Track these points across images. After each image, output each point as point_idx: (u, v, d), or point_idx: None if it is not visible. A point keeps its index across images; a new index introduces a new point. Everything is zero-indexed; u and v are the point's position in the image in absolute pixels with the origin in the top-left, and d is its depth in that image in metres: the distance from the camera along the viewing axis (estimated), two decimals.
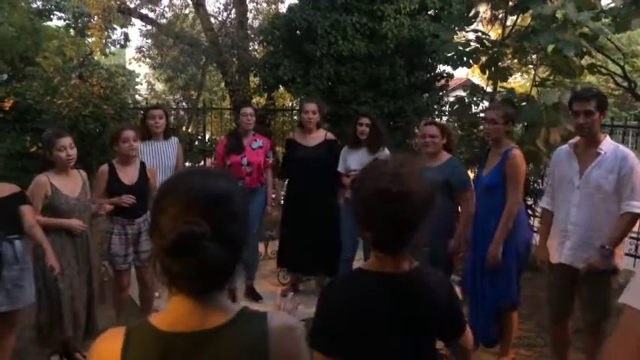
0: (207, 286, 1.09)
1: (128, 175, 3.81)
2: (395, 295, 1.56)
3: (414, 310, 1.57)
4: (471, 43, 5.27)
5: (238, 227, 1.10)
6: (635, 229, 5.81)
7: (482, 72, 5.28)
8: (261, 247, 5.60)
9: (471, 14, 5.36)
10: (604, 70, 5.68)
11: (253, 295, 4.89)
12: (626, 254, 5.90)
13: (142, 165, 3.93)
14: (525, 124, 5.19)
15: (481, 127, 4.97)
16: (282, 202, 5.09)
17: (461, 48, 5.22)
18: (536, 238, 3.86)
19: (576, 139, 3.22)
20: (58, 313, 3.44)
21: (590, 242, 3.06)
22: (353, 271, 1.73)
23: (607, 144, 3.06)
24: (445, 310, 1.62)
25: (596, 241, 3.04)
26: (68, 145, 3.41)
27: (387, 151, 4.58)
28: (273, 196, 5.16)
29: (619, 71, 5.68)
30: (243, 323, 1.10)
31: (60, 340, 3.58)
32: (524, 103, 5.02)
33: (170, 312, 1.11)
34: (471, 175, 4.96)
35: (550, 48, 4.83)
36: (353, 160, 4.59)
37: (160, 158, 4.44)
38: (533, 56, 5.29)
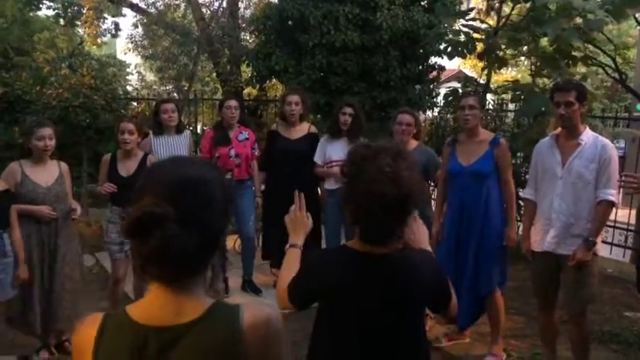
0: (176, 273, 1.07)
1: (126, 167, 3.81)
2: (382, 277, 1.59)
3: (400, 291, 1.60)
4: (465, 33, 5.25)
5: (211, 215, 1.08)
6: (625, 219, 5.90)
7: (480, 59, 5.28)
8: None
9: (464, 9, 5.36)
10: (595, 62, 5.67)
11: (252, 287, 4.86)
12: (616, 245, 5.99)
13: (144, 157, 3.90)
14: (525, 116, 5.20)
15: None
16: (263, 194, 5.03)
17: (456, 38, 5.21)
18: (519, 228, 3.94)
19: (557, 130, 3.31)
20: (28, 308, 3.42)
21: (572, 230, 3.15)
22: (339, 249, 1.75)
23: (587, 134, 3.15)
24: (431, 289, 1.65)
25: (577, 228, 3.13)
26: (47, 135, 3.39)
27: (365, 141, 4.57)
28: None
29: (610, 63, 5.68)
30: (215, 318, 1.08)
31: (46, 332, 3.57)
32: (518, 92, 5.02)
33: (145, 303, 1.11)
34: None
35: (544, 42, 4.83)
36: (333, 151, 4.54)
37: (174, 153, 4.40)
38: (525, 47, 5.29)
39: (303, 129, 4.80)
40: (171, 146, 4.45)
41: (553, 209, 3.21)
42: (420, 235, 1.77)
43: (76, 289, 3.64)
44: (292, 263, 1.78)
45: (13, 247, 3.26)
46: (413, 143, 4.04)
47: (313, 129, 4.85)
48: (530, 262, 3.46)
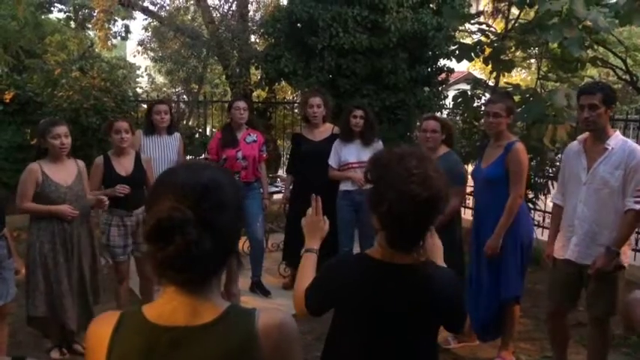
0: (194, 277, 1.07)
1: (123, 166, 3.81)
2: (403, 287, 1.56)
3: (420, 303, 1.57)
4: (474, 36, 5.26)
5: (227, 218, 1.08)
6: None
7: (486, 64, 5.26)
8: None
9: (473, 12, 5.36)
10: (605, 63, 5.65)
11: (261, 289, 4.88)
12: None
13: (137, 156, 3.93)
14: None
15: (482, 120, 4.95)
16: (289, 196, 5.04)
17: (464, 41, 5.21)
18: (535, 232, 3.89)
19: (586, 134, 3.17)
20: (59, 305, 3.46)
21: (596, 238, 3.04)
22: (359, 256, 1.71)
23: (615, 139, 3.01)
24: (451, 304, 1.62)
25: (601, 237, 3.02)
26: (63, 133, 3.41)
27: (380, 143, 4.59)
28: (277, 189, 5.13)
29: (620, 64, 5.65)
30: (230, 322, 1.08)
31: (58, 332, 3.59)
32: (527, 96, 4.99)
33: (160, 304, 1.11)
34: (469, 167, 4.97)
35: (554, 44, 4.81)
36: (349, 153, 4.55)
37: (164, 152, 4.50)
38: (535, 50, 5.28)
39: (326, 130, 4.81)
40: (161, 146, 4.51)
41: (576, 216, 3.11)
42: (435, 250, 1.74)
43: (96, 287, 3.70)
44: (308, 269, 1.76)
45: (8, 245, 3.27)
46: (442, 149, 3.87)
47: (336, 130, 4.82)
48: (552, 268, 3.36)
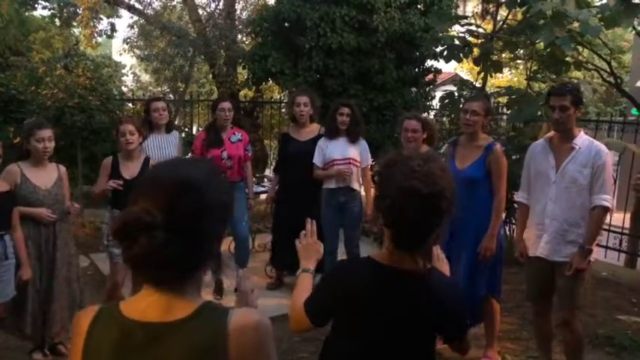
0: (164, 277, 1.08)
1: (129, 170, 3.76)
2: (407, 293, 1.56)
3: (423, 310, 1.57)
4: (461, 38, 5.27)
5: (205, 221, 1.08)
6: (619, 223, 5.92)
7: (476, 64, 5.28)
8: None
9: (461, 13, 5.38)
10: (591, 66, 5.70)
11: None
12: (610, 248, 6.01)
13: (146, 161, 3.88)
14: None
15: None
16: (275, 196, 5.00)
17: (455, 42, 5.22)
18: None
19: (551, 133, 3.28)
20: (21, 309, 3.39)
21: (566, 236, 3.13)
22: (365, 260, 1.69)
23: (581, 139, 3.13)
24: (452, 315, 1.63)
25: (571, 234, 3.11)
26: (47, 137, 3.38)
27: (364, 142, 4.61)
28: (264, 189, 5.10)
29: (605, 67, 5.70)
30: (203, 319, 1.09)
31: (39, 334, 3.54)
32: (513, 96, 5.03)
33: (136, 299, 1.13)
34: None
35: (541, 44, 4.85)
36: (334, 150, 4.53)
37: (164, 150, 4.43)
38: (521, 51, 5.32)
39: (312, 130, 4.78)
40: (162, 144, 4.46)
41: (546, 214, 3.19)
42: (441, 265, 1.75)
43: (73, 290, 3.63)
44: (305, 287, 1.75)
45: (14, 249, 3.24)
46: (423, 149, 3.88)
47: (323, 130, 4.78)
48: (525, 266, 3.43)
